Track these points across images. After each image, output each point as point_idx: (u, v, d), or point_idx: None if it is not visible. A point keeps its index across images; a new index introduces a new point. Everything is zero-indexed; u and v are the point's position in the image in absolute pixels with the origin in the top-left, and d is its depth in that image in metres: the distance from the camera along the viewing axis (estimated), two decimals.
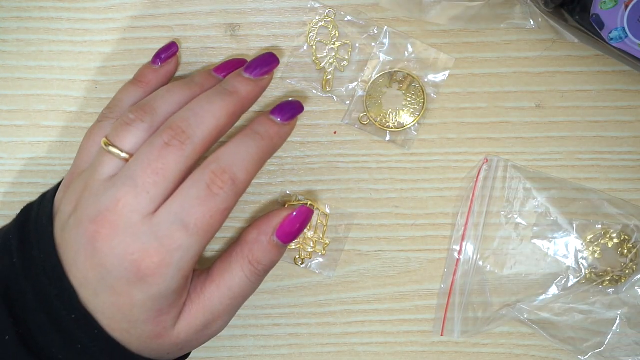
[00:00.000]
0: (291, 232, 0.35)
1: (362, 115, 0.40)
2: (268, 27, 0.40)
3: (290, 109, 0.35)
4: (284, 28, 0.40)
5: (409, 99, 0.40)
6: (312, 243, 0.41)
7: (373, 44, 0.40)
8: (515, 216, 0.40)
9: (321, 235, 0.41)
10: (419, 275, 0.41)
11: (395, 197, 0.41)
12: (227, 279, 0.34)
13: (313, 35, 0.40)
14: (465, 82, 0.40)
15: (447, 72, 0.40)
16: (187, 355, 0.36)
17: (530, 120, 0.40)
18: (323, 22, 0.40)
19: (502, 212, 0.40)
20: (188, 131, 0.31)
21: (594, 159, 0.40)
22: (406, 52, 0.40)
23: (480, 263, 0.40)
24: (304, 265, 0.41)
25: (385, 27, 0.40)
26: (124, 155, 0.32)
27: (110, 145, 0.32)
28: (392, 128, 0.40)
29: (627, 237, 0.40)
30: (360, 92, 0.40)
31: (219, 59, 0.40)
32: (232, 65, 0.37)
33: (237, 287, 0.34)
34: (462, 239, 0.40)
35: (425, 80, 0.40)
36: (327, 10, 0.40)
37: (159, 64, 0.37)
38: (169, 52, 0.38)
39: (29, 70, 0.40)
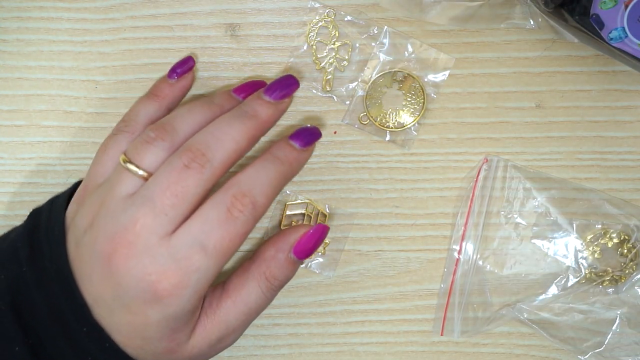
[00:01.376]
0: (308, 249, 0.35)
1: (362, 115, 0.40)
2: (268, 27, 0.40)
3: (308, 135, 0.35)
4: (284, 28, 0.40)
5: (409, 99, 0.40)
6: None
7: (373, 44, 0.40)
8: (515, 216, 0.40)
9: None
10: (419, 275, 0.41)
11: (395, 197, 0.41)
12: (243, 295, 0.34)
13: (313, 35, 0.40)
14: (465, 82, 0.40)
15: (447, 72, 0.40)
16: None
17: (530, 120, 0.40)
18: (323, 22, 0.40)
19: (502, 212, 0.40)
20: (208, 154, 0.31)
21: (594, 159, 0.40)
22: (406, 52, 0.40)
23: (480, 263, 0.40)
24: (304, 265, 0.41)
25: (385, 27, 0.40)
26: (142, 173, 0.32)
27: (128, 162, 0.32)
28: (392, 128, 0.40)
29: (627, 237, 0.40)
30: (360, 92, 0.40)
31: (219, 59, 0.40)
32: (251, 87, 0.36)
33: (254, 302, 0.34)
34: (462, 239, 0.40)
35: (425, 80, 0.40)
36: (327, 10, 0.40)
37: (175, 78, 0.37)
38: (185, 66, 0.37)
39: (29, 70, 0.40)
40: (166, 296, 0.30)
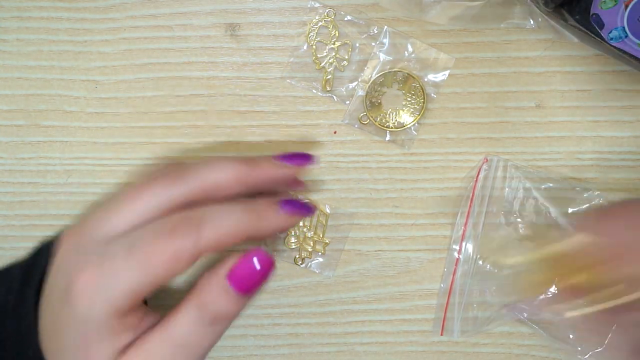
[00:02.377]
0: (244, 277, 0.30)
1: (362, 115, 0.40)
2: (268, 27, 0.40)
3: (299, 207, 0.33)
4: (284, 28, 0.40)
5: (409, 99, 0.40)
6: (312, 243, 0.41)
7: (373, 44, 0.40)
8: (515, 216, 0.40)
9: (321, 235, 0.41)
10: (419, 275, 0.41)
11: (395, 197, 0.41)
12: (171, 326, 0.30)
13: (313, 35, 0.40)
14: (465, 82, 0.40)
15: (447, 72, 0.40)
16: None
17: (530, 120, 0.40)
18: (323, 21, 0.40)
19: (502, 212, 0.40)
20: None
21: (594, 159, 0.40)
22: (406, 52, 0.40)
23: (480, 263, 0.40)
24: (304, 265, 0.41)
25: (385, 26, 0.40)
26: None
27: None
28: (392, 128, 0.40)
29: None
30: (360, 92, 0.40)
31: (219, 59, 0.40)
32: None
33: (180, 336, 0.30)
34: (462, 239, 0.40)
35: (425, 80, 0.40)
36: (327, 10, 0.40)
37: (286, 162, 0.34)
38: (304, 161, 0.35)
39: (29, 70, 0.40)
40: (76, 294, 0.29)
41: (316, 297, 0.42)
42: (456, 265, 0.40)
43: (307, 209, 0.34)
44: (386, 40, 0.40)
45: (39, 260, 0.32)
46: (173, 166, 0.32)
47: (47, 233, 0.41)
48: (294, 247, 0.41)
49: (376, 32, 0.40)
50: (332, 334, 0.42)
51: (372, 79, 0.40)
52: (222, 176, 0.31)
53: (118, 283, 0.29)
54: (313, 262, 0.41)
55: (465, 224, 0.40)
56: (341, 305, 0.42)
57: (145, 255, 0.29)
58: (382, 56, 0.40)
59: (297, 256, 0.41)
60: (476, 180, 0.40)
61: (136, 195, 0.31)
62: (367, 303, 0.41)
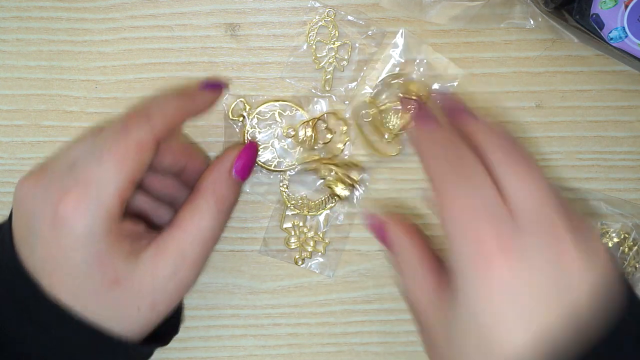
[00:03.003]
0: (245, 164, 0.36)
1: (364, 112, 0.40)
2: (268, 26, 0.40)
3: (215, 84, 0.38)
4: (284, 28, 0.40)
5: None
6: (312, 243, 0.41)
7: (373, 43, 0.40)
8: None
9: (321, 235, 0.41)
10: None
11: (396, 197, 0.41)
12: (195, 221, 0.33)
13: (313, 35, 0.40)
14: (465, 82, 0.40)
15: (454, 84, 0.40)
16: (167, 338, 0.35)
17: (530, 120, 0.40)
18: (323, 21, 0.40)
19: None
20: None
21: (594, 159, 0.40)
22: (418, 57, 0.40)
23: None
24: (304, 265, 0.41)
25: (402, 29, 0.39)
26: None
27: None
28: (390, 129, 0.40)
29: (626, 235, 0.40)
30: (366, 90, 0.40)
31: (219, 59, 0.40)
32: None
33: (206, 228, 0.33)
34: None
35: (432, 87, 0.40)
36: (327, 10, 0.40)
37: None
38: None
39: (29, 70, 0.40)
40: (68, 215, 0.29)
41: (316, 297, 0.42)
42: None
43: (221, 85, 0.39)
44: (401, 42, 0.40)
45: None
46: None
47: None
48: (294, 247, 0.41)
49: (387, 32, 0.39)
50: (332, 334, 0.42)
51: (380, 78, 0.40)
52: (173, 115, 0.34)
53: (101, 189, 0.30)
54: (313, 262, 0.41)
55: None
56: (341, 305, 0.42)
57: (112, 156, 0.30)
58: (393, 57, 0.40)
59: (297, 256, 0.41)
60: None
61: (90, 131, 0.34)
62: (367, 303, 0.41)
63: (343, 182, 0.39)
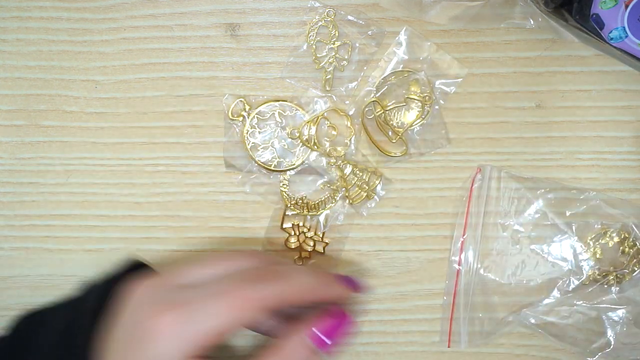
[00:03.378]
0: (329, 336, 0.33)
1: (366, 109, 0.40)
2: (268, 26, 0.40)
3: (353, 283, 0.36)
4: (284, 28, 0.40)
5: (415, 101, 0.40)
6: (312, 243, 0.41)
7: (373, 43, 0.40)
8: (513, 223, 0.40)
9: (321, 236, 0.41)
10: (419, 275, 0.41)
11: (395, 197, 0.41)
12: None
13: (313, 35, 0.40)
14: (465, 82, 0.40)
15: (458, 81, 0.40)
16: None
17: (530, 120, 0.40)
18: (323, 21, 0.40)
19: (500, 221, 0.40)
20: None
21: (594, 159, 0.40)
22: (422, 55, 0.40)
23: (482, 272, 0.40)
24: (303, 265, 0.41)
25: (406, 26, 0.39)
26: None
27: None
28: (394, 127, 0.40)
29: (626, 235, 0.40)
30: (368, 88, 0.40)
31: (219, 59, 0.40)
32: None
33: None
34: (461, 251, 0.40)
35: (435, 86, 0.40)
36: (327, 10, 0.40)
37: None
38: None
39: (29, 70, 0.40)
40: (156, 336, 0.30)
41: None
42: (457, 277, 0.40)
43: (359, 287, 0.36)
44: (404, 40, 0.40)
45: (101, 301, 0.33)
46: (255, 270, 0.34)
47: (47, 233, 0.41)
48: (294, 247, 0.41)
49: (388, 31, 0.39)
50: None
51: (383, 76, 0.40)
52: (299, 288, 0.33)
53: (200, 324, 0.30)
54: (313, 262, 0.41)
55: (463, 234, 0.40)
56: None
57: (228, 300, 0.30)
58: (397, 55, 0.40)
59: (297, 256, 0.41)
60: (471, 191, 0.40)
61: (219, 257, 0.34)
62: (367, 303, 0.41)
63: (360, 188, 0.40)
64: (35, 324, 0.35)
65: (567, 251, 0.40)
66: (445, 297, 0.41)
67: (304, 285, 0.33)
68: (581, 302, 0.39)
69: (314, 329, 0.33)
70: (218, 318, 0.30)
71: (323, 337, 0.33)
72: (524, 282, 0.40)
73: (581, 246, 0.40)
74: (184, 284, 0.32)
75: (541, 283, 0.40)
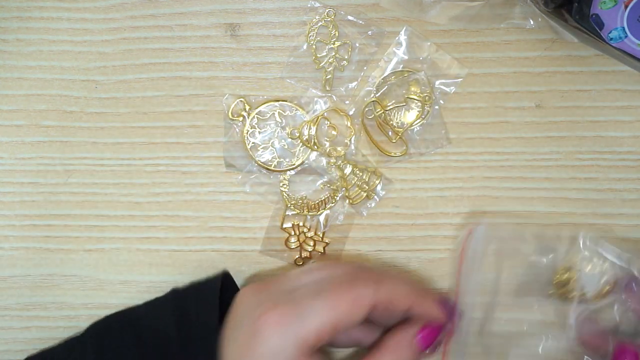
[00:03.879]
0: (431, 336, 0.35)
1: (366, 109, 0.40)
2: (268, 27, 0.40)
3: (451, 310, 0.37)
4: (284, 28, 0.40)
5: (415, 101, 0.40)
6: (312, 243, 0.41)
7: (373, 43, 0.40)
8: (497, 286, 0.39)
9: (321, 236, 0.41)
10: (419, 275, 0.41)
11: (395, 197, 0.41)
12: None
13: (313, 35, 0.40)
14: (465, 82, 0.40)
15: (458, 81, 0.40)
16: None
17: (530, 120, 0.40)
18: (323, 21, 0.40)
19: (488, 284, 0.39)
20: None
21: (594, 159, 0.40)
22: (422, 55, 0.40)
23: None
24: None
25: (406, 26, 0.39)
26: None
27: None
28: (394, 127, 0.40)
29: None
30: (369, 88, 0.40)
31: (219, 59, 0.40)
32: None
33: None
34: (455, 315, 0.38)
35: (435, 86, 0.40)
36: (327, 10, 0.40)
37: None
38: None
39: (29, 70, 0.40)
40: (267, 329, 0.32)
41: None
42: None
43: (453, 311, 0.37)
44: (404, 40, 0.40)
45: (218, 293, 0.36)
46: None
47: (47, 233, 0.41)
48: (294, 247, 0.41)
49: (388, 31, 0.39)
50: None
51: (383, 76, 0.40)
52: (398, 296, 0.35)
53: (307, 320, 0.32)
54: (313, 263, 0.41)
55: (456, 299, 0.38)
56: None
57: (331, 297, 0.33)
58: (397, 55, 0.40)
59: (297, 256, 0.41)
60: (462, 251, 0.39)
61: (314, 267, 0.37)
62: None
63: (360, 188, 0.39)
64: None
65: (545, 310, 0.39)
66: None
67: (400, 289, 0.35)
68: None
69: (419, 331, 0.35)
70: (323, 315, 0.32)
71: (428, 340, 0.35)
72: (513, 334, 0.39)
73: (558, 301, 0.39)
74: (287, 289, 0.34)
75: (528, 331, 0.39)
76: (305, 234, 0.41)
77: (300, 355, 0.32)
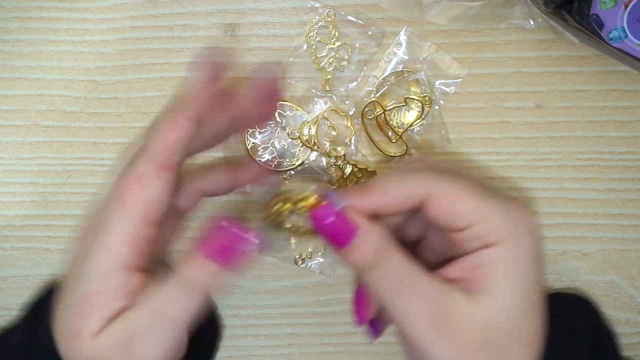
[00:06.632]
0: (221, 249, 0.30)
1: (366, 110, 0.40)
2: (268, 27, 0.40)
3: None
4: (284, 28, 0.40)
5: (415, 101, 0.40)
6: (312, 243, 0.41)
7: (373, 43, 0.40)
8: None
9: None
10: None
11: None
12: (154, 297, 0.29)
13: (313, 35, 0.40)
14: (465, 82, 0.40)
15: (458, 81, 0.40)
16: None
17: (530, 120, 0.40)
18: (323, 21, 0.40)
19: None
20: None
21: (594, 159, 0.40)
22: (421, 55, 0.40)
23: None
24: (304, 265, 0.41)
25: (405, 26, 0.39)
26: None
27: None
28: (394, 127, 0.40)
29: None
30: (368, 88, 0.40)
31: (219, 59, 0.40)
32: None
33: (162, 306, 0.29)
34: None
35: (435, 86, 0.40)
36: (327, 10, 0.40)
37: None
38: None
39: (29, 70, 0.40)
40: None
41: (316, 297, 0.42)
42: None
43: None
44: (404, 40, 0.40)
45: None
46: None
47: (47, 233, 0.41)
48: (293, 247, 0.41)
49: (389, 31, 0.39)
50: (332, 334, 0.42)
51: (383, 76, 0.40)
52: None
53: (112, 231, 0.29)
54: (313, 263, 0.41)
55: None
56: (341, 305, 0.42)
57: (120, 193, 0.29)
58: (397, 55, 0.40)
59: (297, 256, 0.41)
60: None
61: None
62: None
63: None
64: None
65: None
66: None
67: (171, 131, 0.30)
68: None
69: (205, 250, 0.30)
70: (122, 219, 0.29)
71: (213, 248, 0.30)
72: None
73: None
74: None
75: None
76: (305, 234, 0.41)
77: (117, 270, 0.29)
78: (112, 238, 0.29)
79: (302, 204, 0.31)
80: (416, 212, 0.30)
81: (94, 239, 0.29)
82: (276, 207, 0.31)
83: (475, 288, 0.28)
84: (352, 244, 0.29)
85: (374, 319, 0.33)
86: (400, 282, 0.29)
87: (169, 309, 0.29)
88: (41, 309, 0.32)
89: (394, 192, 0.29)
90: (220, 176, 0.34)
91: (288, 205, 0.31)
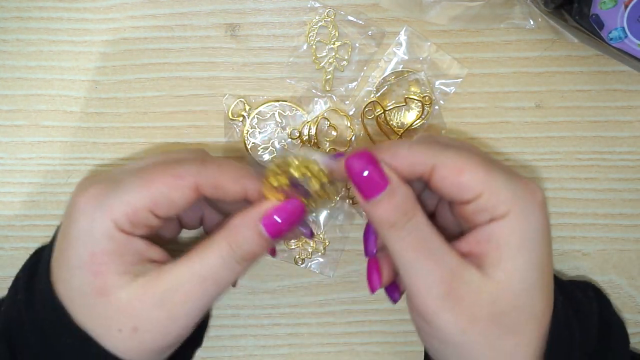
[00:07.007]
0: (276, 222, 0.31)
1: (366, 110, 0.40)
2: (268, 27, 0.40)
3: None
4: (284, 28, 0.40)
5: (415, 101, 0.40)
6: (312, 243, 0.41)
7: (373, 43, 0.40)
8: None
9: (321, 236, 0.41)
10: None
11: None
12: (199, 259, 0.30)
13: (313, 35, 0.40)
14: (465, 82, 0.40)
15: (458, 81, 0.40)
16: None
17: (530, 120, 0.40)
18: (323, 21, 0.40)
19: None
20: None
21: (594, 159, 0.40)
22: (421, 55, 0.40)
23: None
24: (304, 265, 0.41)
25: (406, 26, 0.39)
26: None
27: None
28: (394, 127, 0.40)
29: None
30: (368, 88, 0.40)
31: (219, 59, 0.40)
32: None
33: (209, 269, 0.30)
34: None
35: (435, 86, 0.40)
36: (327, 10, 0.40)
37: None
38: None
39: (29, 70, 0.40)
40: (78, 212, 0.30)
41: (316, 297, 0.42)
42: None
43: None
44: (404, 40, 0.40)
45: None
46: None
47: (47, 233, 0.41)
48: (294, 247, 0.41)
49: (389, 31, 0.40)
50: (332, 334, 0.42)
51: (383, 76, 0.40)
52: (225, 179, 0.32)
53: (119, 197, 0.30)
54: (313, 263, 0.41)
55: None
56: (341, 305, 0.42)
57: (147, 174, 0.30)
58: (397, 55, 0.40)
59: (297, 256, 0.41)
60: None
61: (166, 151, 0.34)
62: (367, 303, 0.41)
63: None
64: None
65: None
66: None
67: (229, 172, 0.31)
68: None
69: (266, 212, 0.30)
70: (137, 191, 0.30)
71: (277, 219, 0.30)
72: None
73: None
74: (116, 172, 0.32)
75: None
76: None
77: (116, 231, 0.30)
78: (117, 203, 0.30)
79: (307, 170, 0.31)
80: (424, 187, 0.30)
81: (95, 201, 0.30)
82: (278, 175, 0.32)
83: (485, 262, 0.29)
84: (381, 196, 0.29)
85: (389, 286, 0.33)
86: (422, 244, 0.29)
87: (216, 275, 0.30)
88: (35, 272, 0.32)
89: (402, 158, 0.30)
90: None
91: (298, 171, 0.31)
